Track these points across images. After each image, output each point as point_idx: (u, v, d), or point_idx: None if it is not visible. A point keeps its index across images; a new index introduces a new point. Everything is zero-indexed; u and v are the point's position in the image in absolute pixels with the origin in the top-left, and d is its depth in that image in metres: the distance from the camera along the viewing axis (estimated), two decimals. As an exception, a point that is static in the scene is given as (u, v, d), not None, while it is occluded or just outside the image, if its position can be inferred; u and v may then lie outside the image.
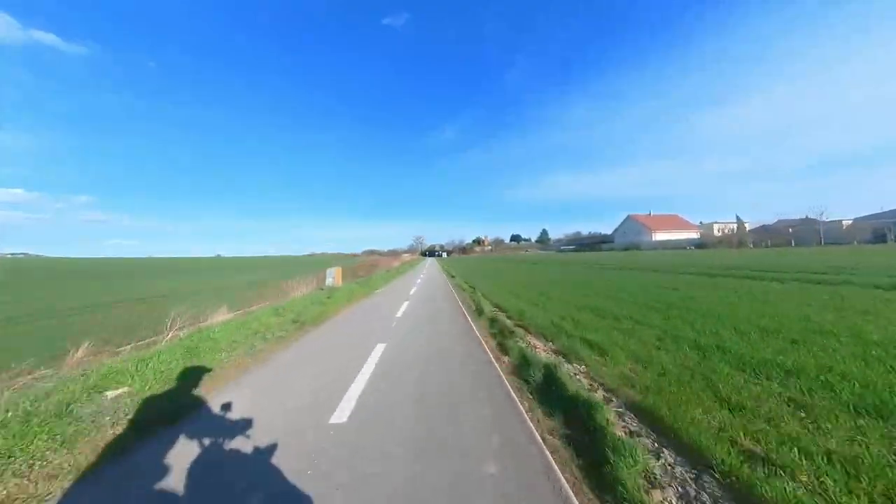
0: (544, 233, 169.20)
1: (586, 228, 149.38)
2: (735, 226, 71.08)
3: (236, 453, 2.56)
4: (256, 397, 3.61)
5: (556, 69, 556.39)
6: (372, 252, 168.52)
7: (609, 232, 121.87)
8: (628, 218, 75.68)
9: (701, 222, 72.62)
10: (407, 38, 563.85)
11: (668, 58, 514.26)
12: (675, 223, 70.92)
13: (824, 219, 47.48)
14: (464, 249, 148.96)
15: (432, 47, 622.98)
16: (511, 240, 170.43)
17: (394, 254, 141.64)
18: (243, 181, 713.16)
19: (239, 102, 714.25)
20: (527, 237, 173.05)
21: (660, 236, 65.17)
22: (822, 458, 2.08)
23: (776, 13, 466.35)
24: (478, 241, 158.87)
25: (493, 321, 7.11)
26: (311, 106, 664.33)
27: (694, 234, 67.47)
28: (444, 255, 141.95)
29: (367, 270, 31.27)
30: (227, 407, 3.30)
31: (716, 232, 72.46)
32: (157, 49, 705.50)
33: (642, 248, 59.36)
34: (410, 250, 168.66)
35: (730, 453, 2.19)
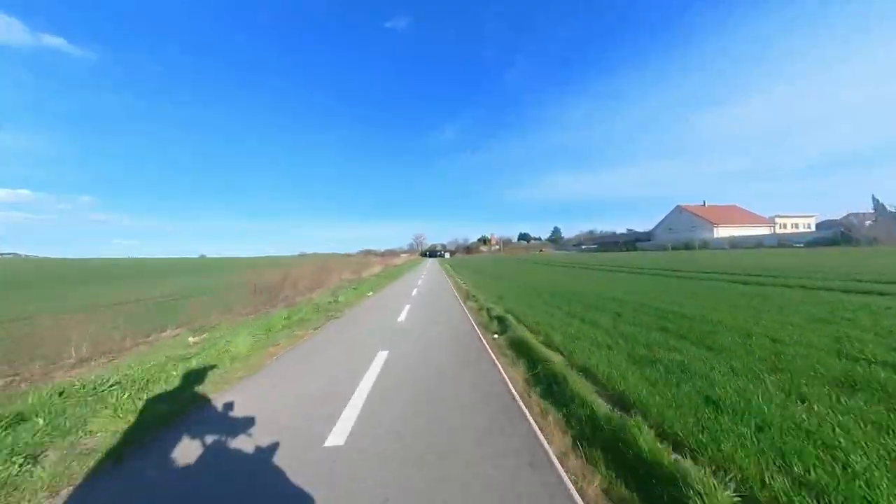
0: (556, 231, 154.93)
1: (596, 227, 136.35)
2: (810, 220, 56.62)
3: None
4: None
5: (558, 69, 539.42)
6: (368, 252, 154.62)
7: (622, 230, 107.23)
8: (677, 210, 60.97)
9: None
10: (408, 39, 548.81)
11: (670, 57, 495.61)
12: (740, 216, 56.37)
13: None
14: (468, 249, 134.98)
15: (434, 48, 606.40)
16: (519, 238, 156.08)
17: (391, 254, 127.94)
18: (244, 182, 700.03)
19: (242, 104, 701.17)
20: (536, 236, 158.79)
21: (724, 231, 50.79)
22: None
23: (776, 13, 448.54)
24: (484, 240, 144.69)
25: None
26: (312, 107, 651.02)
27: (765, 229, 53.13)
28: (447, 255, 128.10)
29: (310, 285, 17.37)
30: None
31: (778, 228, 58.33)
32: (162, 52, 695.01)
33: (711, 246, 44.98)
34: (410, 250, 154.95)
35: None
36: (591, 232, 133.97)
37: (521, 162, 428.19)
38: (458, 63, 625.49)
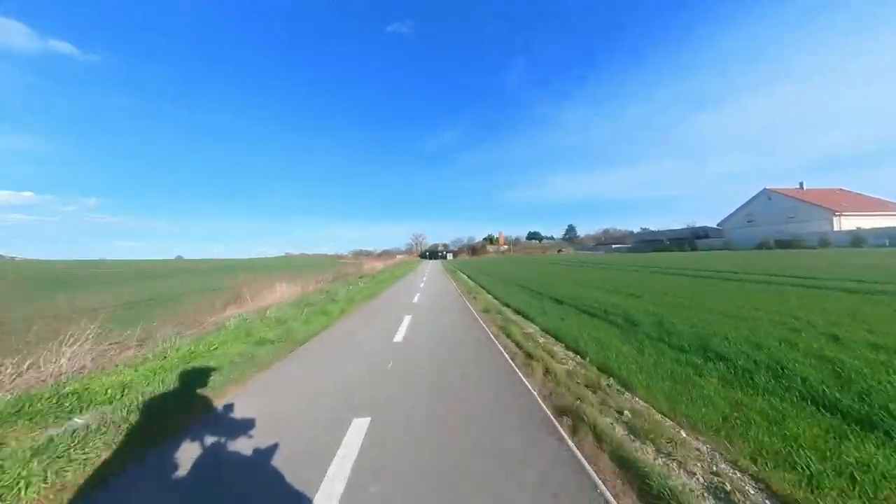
0: (571, 229, 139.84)
1: (607, 226, 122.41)
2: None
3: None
4: None
5: (559, 70, 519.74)
6: (361, 252, 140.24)
7: (636, 230, 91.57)
8: (764, 195, 45.42)
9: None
10: (410, 43, 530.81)
11: (674, 56, 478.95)
12: (863, 202, 41.31)
13: None
14: (474, 249, 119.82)
15: (436, 51, 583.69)
16: (528, 237, 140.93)
17: (387, 254, 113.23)
18: (248, 183, 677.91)
19: (247, 107, 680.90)
20: (548, 234, 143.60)
21: (848, 222, 35.79)
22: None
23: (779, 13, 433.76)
24: (490, 240, 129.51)
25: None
26: (317, 110, 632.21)
27: (901, 220, 38.03)
28: (449, 256, 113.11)
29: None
30: None
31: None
32: (167, 55, 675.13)
33: (868, 243, 29.90)
34: (409, 250, 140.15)
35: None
36: (606, 230, 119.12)
37: (525, 161, 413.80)
38: (461, 65, 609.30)
